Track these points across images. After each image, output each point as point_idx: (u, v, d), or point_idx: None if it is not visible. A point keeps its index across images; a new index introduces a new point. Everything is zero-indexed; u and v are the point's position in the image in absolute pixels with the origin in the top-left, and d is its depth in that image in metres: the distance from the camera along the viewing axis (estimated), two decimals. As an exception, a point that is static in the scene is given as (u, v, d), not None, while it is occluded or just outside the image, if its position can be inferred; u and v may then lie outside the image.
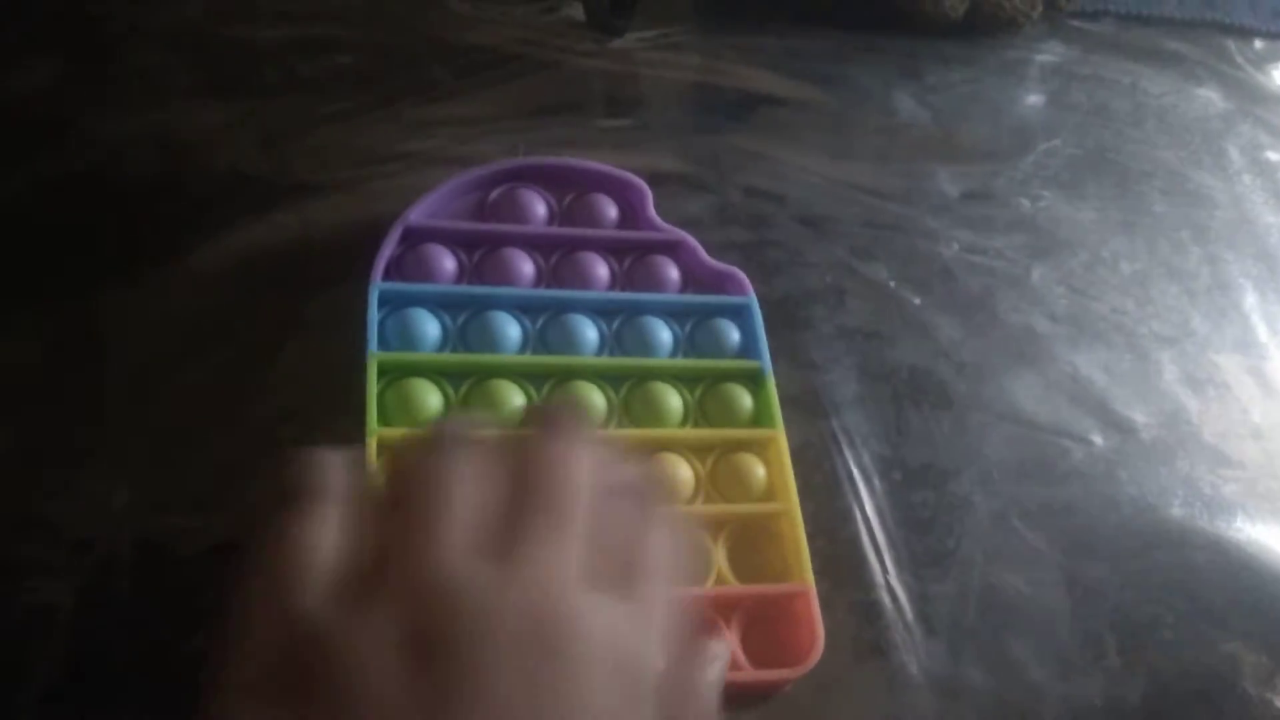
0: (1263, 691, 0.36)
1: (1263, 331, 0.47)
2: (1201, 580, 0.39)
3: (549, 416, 0.23)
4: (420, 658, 0.19)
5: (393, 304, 0.34)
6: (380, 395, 0.33)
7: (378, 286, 0.34)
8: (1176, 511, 0.40)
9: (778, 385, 0.37)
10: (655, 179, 0.42)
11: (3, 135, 0.39)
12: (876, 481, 0.38)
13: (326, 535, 0.20)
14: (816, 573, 0.33)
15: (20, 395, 0.34)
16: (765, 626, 0.32)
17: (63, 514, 0.31)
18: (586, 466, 0.22)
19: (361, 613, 0.19)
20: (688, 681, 0.23)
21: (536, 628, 0.19)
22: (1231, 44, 0.61)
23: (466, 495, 0.21)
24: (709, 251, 0.39)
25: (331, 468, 0.22)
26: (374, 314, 0.33)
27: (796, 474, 0.35)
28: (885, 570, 0.36)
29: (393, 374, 0.33)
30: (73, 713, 0.28)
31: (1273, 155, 0.56)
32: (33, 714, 0.28)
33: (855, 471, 0.38)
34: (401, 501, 0.21)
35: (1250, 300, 0.49)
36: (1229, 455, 0.43)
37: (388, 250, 0.35)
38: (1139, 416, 0.43)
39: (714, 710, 0.24)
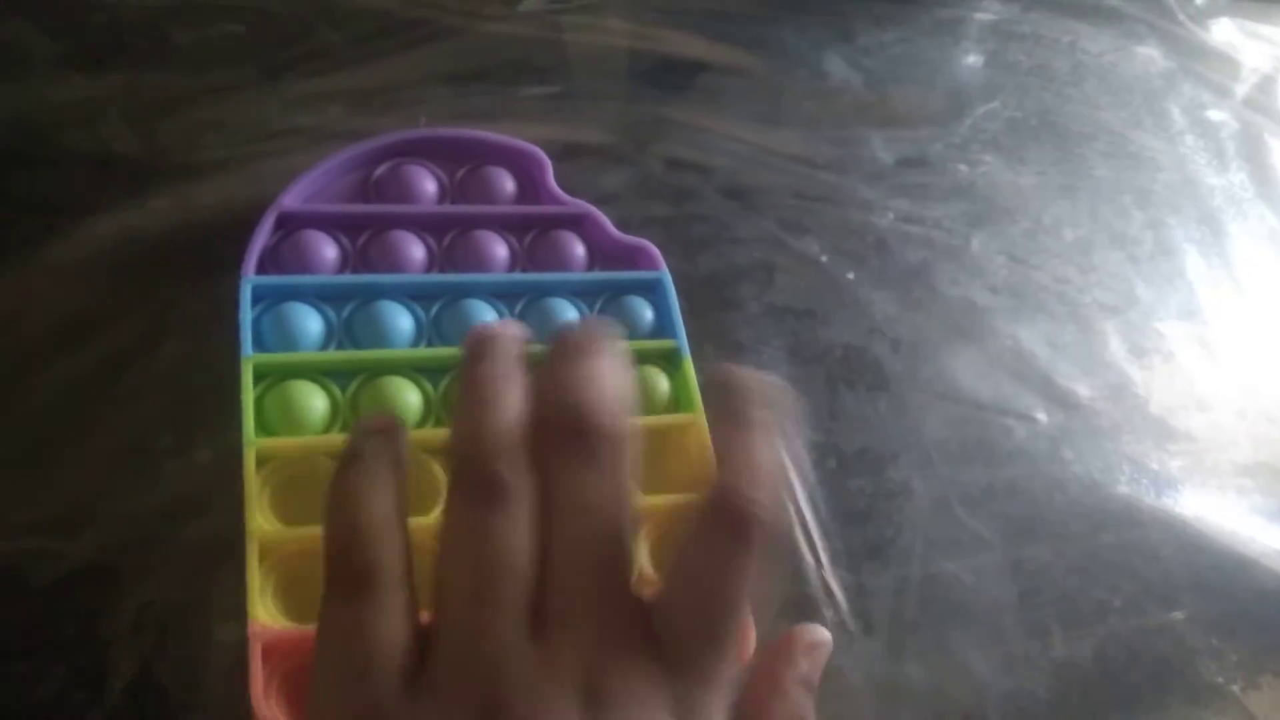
0: (1213, 673, 0.35)
1: (1206, 298, 0.46)
2: (1149, 560, 0.37)
3: (577, 432, 0.22)
4: None
5: (269, 299, 0.31)
6: (259, 401, 0.30)
7: (250, 281, 0.31)
8: (1123, 489, 0.39)
9: (702, 370, 0.34)
10: (569, 151, 0.39)
11: None
12: (809, 469, 0.36)
13: (393, 622, 0.21)
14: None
15: None
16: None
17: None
18: (590, 500, 0.22)
19: (429, 704, 0.20)
20: (775, 678, 0.24)
21: (585, 687, 0.20)
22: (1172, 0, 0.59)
23: (513, 566, 0.21)
24: (629, 228, 0.37)
25: (387, 541, 0.22)
26: (247, 312, 0.30)
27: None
28: (820, 564, 0.34)
29: (272, 377, 0.30)
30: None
31: (1214, 115, 0.54)
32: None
33: (786, 460, 0.35)
34: (454, 572, 0.21)
35: (1194, 266, 0.47)
36: (1175, 428, 0.41)
37: (260, 240, 0.32)
38: (1083, 390, 0.41)
39: (807, 708, 0.24)
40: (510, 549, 0.21)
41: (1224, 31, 0.58)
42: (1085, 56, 0.54)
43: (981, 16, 0.55)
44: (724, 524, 0.22)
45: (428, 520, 0.27)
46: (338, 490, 0.22)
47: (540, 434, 0.22)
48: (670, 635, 0.22)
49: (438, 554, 0.22)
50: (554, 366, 0.23)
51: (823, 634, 0.26)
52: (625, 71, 0.46)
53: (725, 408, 0.23)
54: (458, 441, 0.22)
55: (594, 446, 0.22)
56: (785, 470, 0.23)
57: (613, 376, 0.23)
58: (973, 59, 0.53)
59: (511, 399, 0.22)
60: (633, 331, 0.34)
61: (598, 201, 0.37)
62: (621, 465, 0.23)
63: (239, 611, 0.27)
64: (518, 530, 0.22)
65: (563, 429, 0.22)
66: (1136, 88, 0.54)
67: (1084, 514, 0.38)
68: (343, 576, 0.22)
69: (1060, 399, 0.41)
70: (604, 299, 0.34)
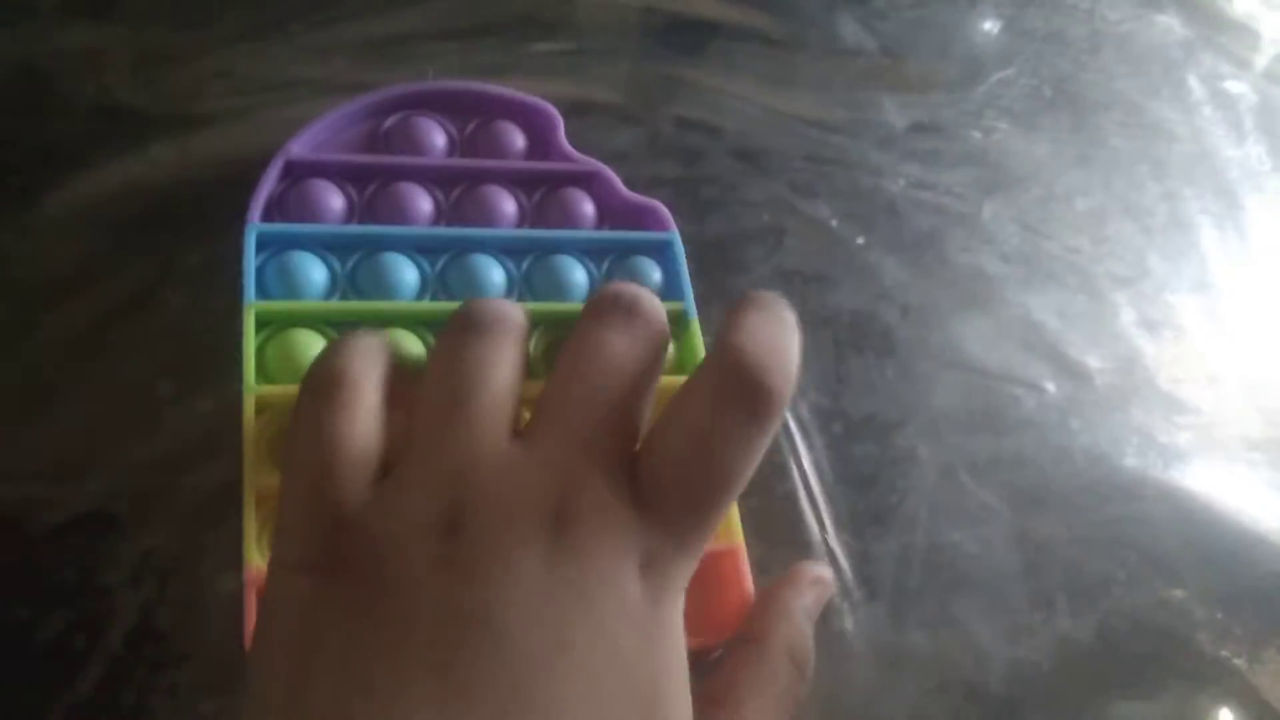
0: (1216, 647, 0.35)
1: (1219, 272, 0.45)
2: (1155, 532, 0.37)
3: (601, 298, 0.23)
4: (447, 539, 0.20)
5: (274, 247, 0.31)
6: (261, 348, 0.29)
7: (255, 227, 0.30)
8: (1130, 461, 0.38)
9: (709, 332, 0.34)
10: (578, 109, 0.39)
11: None
12: (815, 435, 0.35)
13: (359, 424, 0.21)
14: (749, 533, 0.30)
15: None
16: (692, 589, 0.30)
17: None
18: (612, 350, 0.22)
19: (392, 499, 0.21)
20: (781, 602, 0.25)
21: (555, 506, 0.20)
22: (1193, -32, 0.58)
23: (493, 380, 0.22)
24: (637, 188, 0.36)
25: (363, 353, 0.23)
26: (251, 258, 0.30)
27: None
28: (824, 529, 0.33)
29: (274, 325, 0.30)
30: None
31: (1233, 86, 0.53)
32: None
33: (792, 424, 0.35)
34: (433, 385, 0.22)
35: (1208, 239, 0.46)
36: (1184, 401, 0.41)
37: (267, 186, 0.31)
38: (1093, 361, 0.41)
39: (808, 637, 0.25)
40: (493, 365, 0.22)
41: (1245, 2, 0.57)
42: (1103, 24, 0.53)
43: (999, -18, 0.54)
44: (736, 389, 0.21)
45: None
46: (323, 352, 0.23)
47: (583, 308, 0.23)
48: (654, 488, 0.21)
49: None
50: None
51: (826, 571, 0.27)
52: (638, 30, 0.45)
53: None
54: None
55: (630, 314, 0.23)
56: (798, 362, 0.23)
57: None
58: (988, 25, 0.52)
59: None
60: (640, 291, 0.34)
61: (606, 160, 0.36)
62: (655, 346, 0.23)
63: (238, 560, 0.27)
64: (504, 354, 0.22)
65: (604, 299, 0.23)
66: (1154, 57, 0.53)
67: (1091, 485, 0.37)
68: (313, 380, 0.23)
69: (1069, 369, 0.40)
70: (612, 258, 0.34)
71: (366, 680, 0.19)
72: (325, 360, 0.23)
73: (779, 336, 0.22)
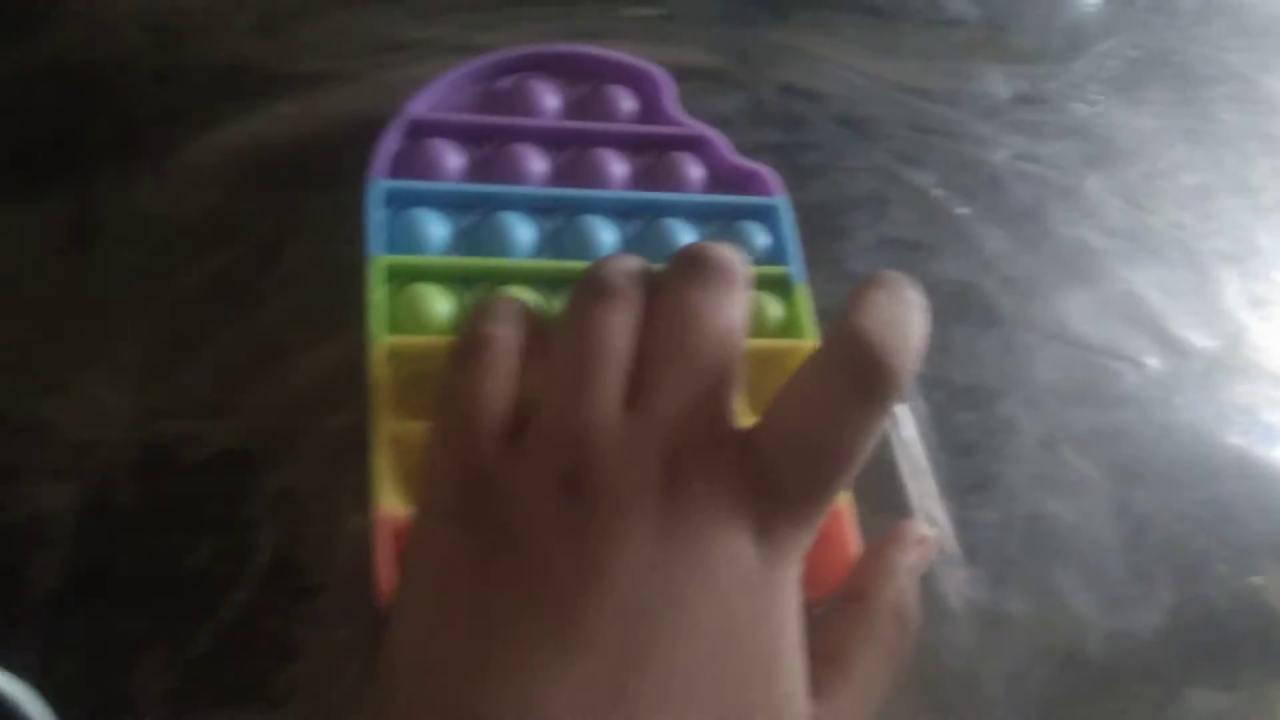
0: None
1: (1331, 250, 0.44)
2: (1260, 512, 0.36)
3: (696, 260, 0.24)
4: (569, 499, 0.21)
5: (396, 203, 0.32)
6: (384, 300, 0.30)
7: (379, 184, 0.31)
8: (1234, 439, 0.38)
9: (813, 298, 0.34)
10: (682, 74, 0.39)
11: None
12: (918, 401, 0.35)
13: (500, 385, 0.24)
14: (854, 495, 0.31)
15: (13, 294, 0.32)
16: None
17: (61, 416, 0.29)
18: (711, 315, 0.23)
19: (521, 458, 0.22)
20: (886, 559, 0.26)
21: (667, 471, 0.21)
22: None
23: (615, 347, 0.23)
24: (739, 153, 0.37)
25: (506, 317, 0.25)
26: (376, 213, 0.31)
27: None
28: (926, 495, 0.34)
29: (398, 278, 0.31)
30: (73, 621, 0.27)
31: (1350, 61, 0.52)
32: (33, 621, 0.26)
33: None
34: (561, 350, 0.24)
35: (1320, 217, 0.45)
36: (1292, 380, 0.40)
37: (389, 145, 0.32)
38: (1197, 338, 0.40)
39: (913, 595, 0.25)
40: (613, 334, 0.23)
41: (1365, -26, 0.55)
42: (1215, -4, 0.52)
43: (1106, -48, 0.53)
44: (857, 368, 0.21)
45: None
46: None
47: (673, 266, 0.25)
48: (770, 461, 0.22)
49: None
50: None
51: (930, 532, 0.27)
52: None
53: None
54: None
55: (722, 278, 0.24)
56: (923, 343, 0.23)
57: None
58: (1094, -4, 0.51)
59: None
60: (748, 256, 0.34)
61: (711, 125, 0.37)
62: (746, 309, 0.24)
63: (366, 500, 0.28)
64: (623, 325, 0.23)
65: (693, 259, 0.24)
66: (1270, 29, 0.51)
67: (1194, 462, 0.37)
68: (459, 346, 0.25)
69: (1173, 345, 0.40)
70: (720, 222, 0.34)
71: (497, 625, 0.20)
72: (473, 324, 0.25)
73: (903, 316, 0.23)
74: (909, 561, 0.27)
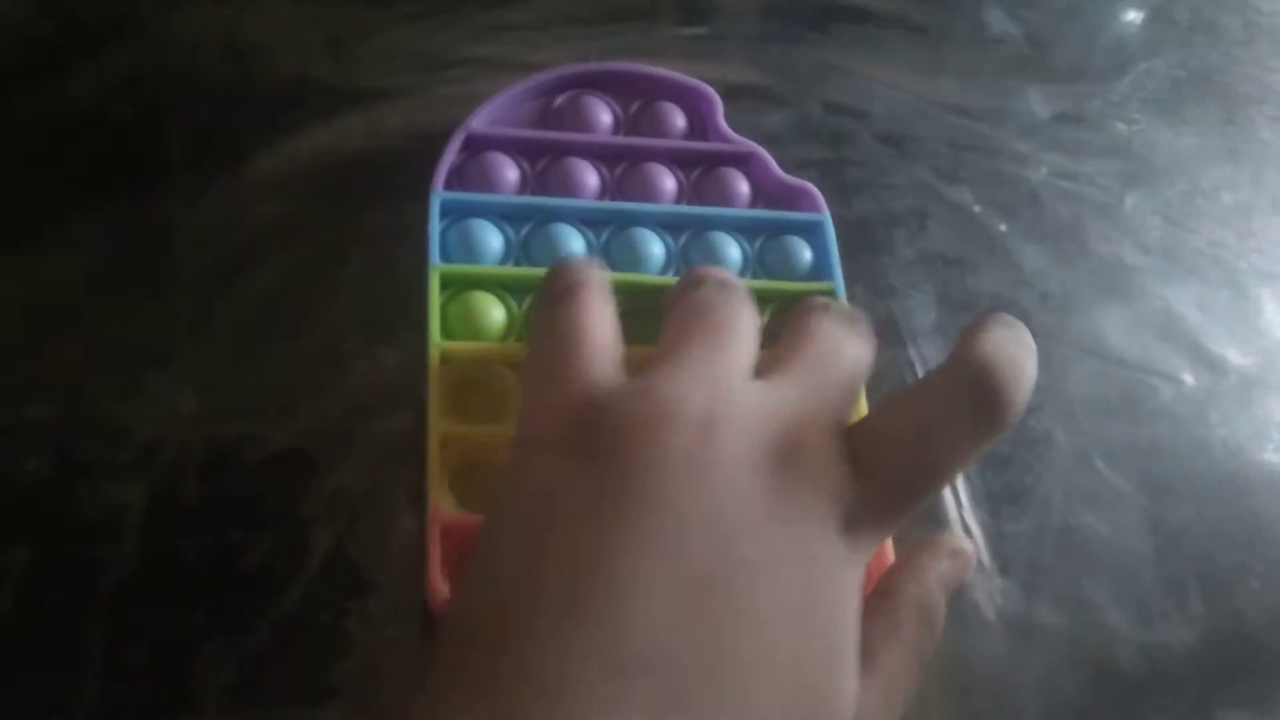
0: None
1: (1371, 271, 0.44)
2: (1294, 529, 0.37)
3: (843, 308, 0.27)
4: (701, 435, 0.21)
5: (454, 214, 0.33)
6: (443, 308, 0.32)
7: (439, 195, 0.33)
8: (1269, 456, 0.38)
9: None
10: (729, 91, 0.40)
11: (66, 29, 0.39)
12: (954, 414, 0.36)
13: (605, 318, 0.24)
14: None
15: (87, 299, 0.33)
16: None
17: (132, 416, 0.31)
18: (860, 350, 0.25)
19: (652, 387, 0.22)
20: (917, 563, 0.26)
21: (786, 442, 0.22)
22: (1356, -41, 0.56)
23: (747, 325, 0.25)
24: (785, 170, 0.38)
25: (596, 270, 0.26)
26: (435, 224, 0.32)
27: (870, 405, 0.34)
28: (960, 505, 0.35)
29: (455, 286, 0.32)
30: (143, 611, 0.28)
31: (1394, 82, 0.52)
32: (104, 610, 0.28)
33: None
34: (688, 313, 0.25)
35: (1361, 237, 0.45)
36: (1329, 400, 0.40)
37: (449, 158, 0.34)
38: (1233, 356, 0.41)
39: (939, 597, 0.25)
40: (746, 318, 0.25)
41: None
42: (1258, 15, 0.52)
43: (1148, -29, 0.53)
44: (976, 394, 0.22)
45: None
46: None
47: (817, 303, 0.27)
48: (868, 458, 0.22)
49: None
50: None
51: (968, 545, 0.27)
52: (782, 13, 0.46)
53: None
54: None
55: (863, 328, 0.27)
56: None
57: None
58: (1135, 14, 0.52)
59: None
60: (791, 271, 0.35)
61: (757, 142, 0.38)
62: (870, 354, 0.27)
63: (419, 500, 0.29)
64: (753, 316, 0.26)
65: (838, 308, 0.27)
66: (1312, 50, 0.52)
67: (1228, 478, 0.37)
68: (554, 283, 0.25)
69: (1209, 363, 0.40)
70: (765, 237, 0.36)
71: (598, 562, 0.20)
72: (564, 269, 0.26)
73: (1023, 357, 0.24)
74: (940, 568, 0.27)
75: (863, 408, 0.33)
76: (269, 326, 0.33)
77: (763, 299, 0.34)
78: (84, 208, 0.35)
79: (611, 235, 0.34)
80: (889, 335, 0.37)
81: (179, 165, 0.36)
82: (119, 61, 0.38)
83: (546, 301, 0.25)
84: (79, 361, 0.32)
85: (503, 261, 0.33)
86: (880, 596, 0.26)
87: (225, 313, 0.33)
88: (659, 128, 0.36)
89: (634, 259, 0.34)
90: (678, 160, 0.36)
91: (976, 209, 0.42)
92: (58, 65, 0.38)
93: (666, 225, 0.35)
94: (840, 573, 0.22)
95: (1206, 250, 0.44)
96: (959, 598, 0.33)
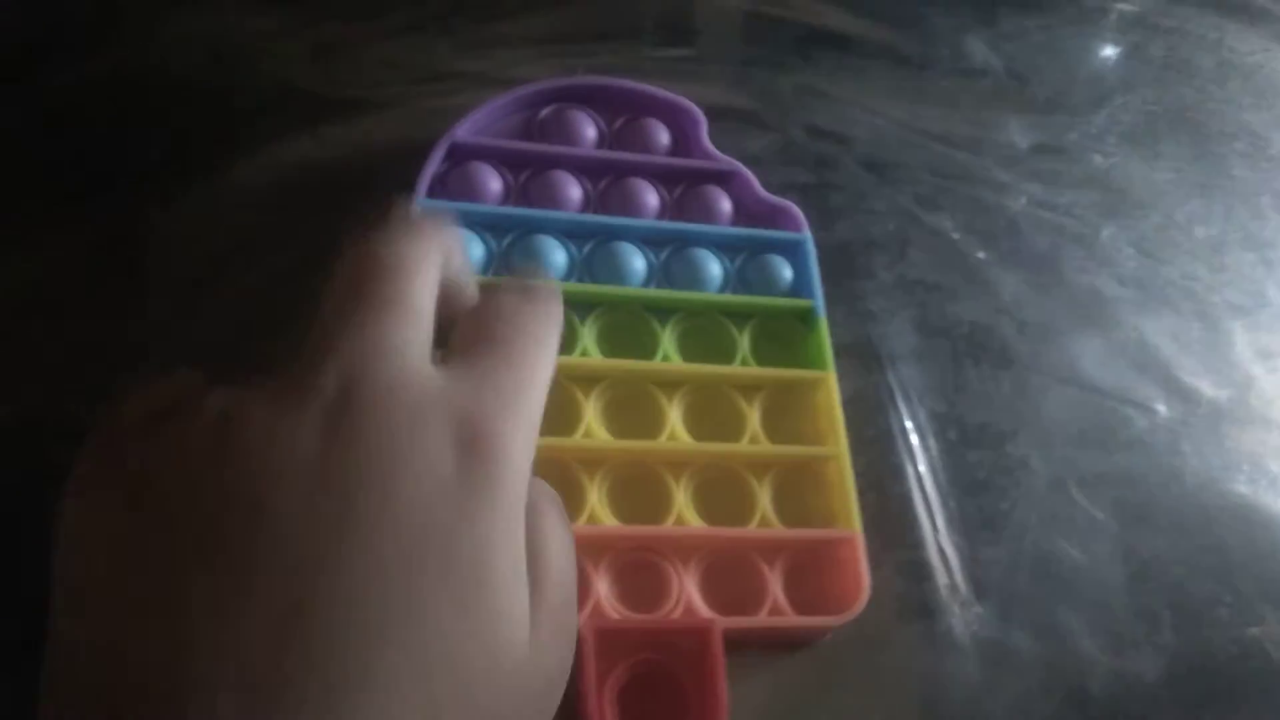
0: (1319, 679, 0.35)
1: (1340, 306, 0.45)
2: (1264, 559, 0.37)
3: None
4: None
5: (439, 224, 0.33)
6: (423, 317, 0.31)
7: (422, 203, 0.33)
8: (1241, 488, 0.39)
9: (833, 333, 0.35)
10: (713, 113, 0.40)
11: (50, 29, 0.38)
12: (931, 439, 0.36)
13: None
14: (865, 528, 0.32)
15: (64, 303, 0.33)
16: (809, 572, 0.31)
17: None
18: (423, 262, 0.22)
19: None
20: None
21: (335, 381, 0.19)
22: (1325, 4, 0.58)
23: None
24: (769, 192, 0.38)
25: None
26: (418, 233, 0.32)
27: (848, 426, 0.34)
28: (936, 530, 0.35)
29: (436, 296, 0.32)
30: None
31: (1362, 124, 0.53)
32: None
33: (909, 426, 0.36)
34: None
35: (1329, 274, 0.46)
36: (1299, 432, 0.41)
37: (432, 166, 0.33)
38: (1206, 387, 0.41)
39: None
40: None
41: (1379, 40, 0.57)
42: (1231, 55, 0.53)
43: (1125, 7, 0.54)
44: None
45: (569, 441, 0.29)
46: None
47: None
48: (463, 347, 0.21)
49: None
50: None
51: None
52: (766, 38, 0.47)
53: None
54: None
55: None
56: None
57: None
58: (1113, 50, 0.53)
59: None
60: (771, 288, 0.35)
61: (740, 163, 0.38)
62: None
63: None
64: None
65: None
66: (1283, 91, 0.53)
67: (1200, 507, 0.38)
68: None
69: (1182, 393, 0.41)
70: (746, 254, 0.36)
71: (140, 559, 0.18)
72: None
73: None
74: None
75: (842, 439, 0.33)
76: (246, 335, 0.33)
77: (743, 315, 0.34)
78: (62, 209, 0.34)
79: (594, 248, 0.34)
80: (867, 359, 0.37)
81: (158, 168, 0.36)
82: (101, 62, 0.38)
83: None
84: (54, 362, 0.31)
85: (484, 271, 0.33)
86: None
87: (202, 320, 0.33)
88: (643, 143, 0.37)
89: (616, 273, 0.34)
90: (661, 176, 0.36)
91: (956, 236, 0.42)
92: (40, 66, 0.37)
93: (648, 240, 0.35)
94: (465, 487, 0.19)
95: (1179, 282, 0.44)
96: (933, 624, 0.33)
